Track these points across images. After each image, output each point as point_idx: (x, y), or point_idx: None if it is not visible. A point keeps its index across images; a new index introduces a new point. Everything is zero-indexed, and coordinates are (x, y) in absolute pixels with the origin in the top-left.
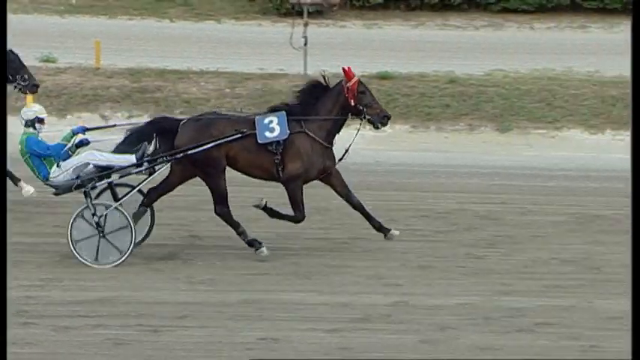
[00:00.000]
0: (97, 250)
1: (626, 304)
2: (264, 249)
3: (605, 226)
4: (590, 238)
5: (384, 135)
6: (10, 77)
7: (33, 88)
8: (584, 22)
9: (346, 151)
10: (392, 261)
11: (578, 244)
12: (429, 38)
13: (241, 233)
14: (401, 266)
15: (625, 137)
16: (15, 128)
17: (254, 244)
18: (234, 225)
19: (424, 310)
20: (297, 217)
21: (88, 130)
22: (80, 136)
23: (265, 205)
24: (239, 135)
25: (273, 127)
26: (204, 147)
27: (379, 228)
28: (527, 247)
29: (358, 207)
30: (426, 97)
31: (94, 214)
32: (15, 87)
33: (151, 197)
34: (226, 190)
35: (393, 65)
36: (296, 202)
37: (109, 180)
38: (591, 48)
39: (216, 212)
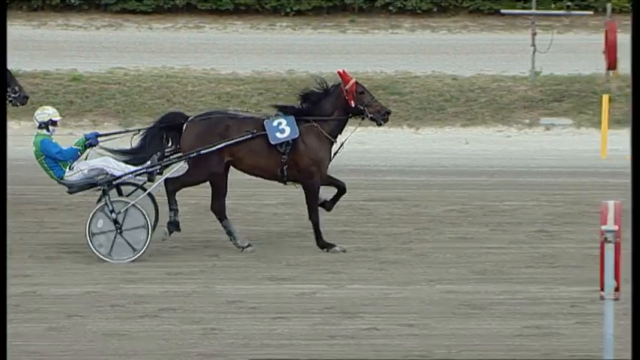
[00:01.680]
0: (112, 245)
1: (243, 289)
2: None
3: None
4: (210, 227)
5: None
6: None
7: (23, 99)
8: (199, 23)
9: (341, 145)
10: (21, 252)
11: (198, 233)
12: (52, 38)
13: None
14: (29, 257)
15: None
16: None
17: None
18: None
19: (52, 299)
20: (314, 219)
21: (100, 136)
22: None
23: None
24: (249, 136)
25: (284, 129)
26: (215, 147)
27: (325, 205)
28: (152, 236)
29: (341, 188)
30: (51, 95)
31: (112, 211)
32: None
33: (217, 210)
34: (193, 184)
35: (17, 64)
36: (313, 201)
37: (119, 181)
38: (206, 47)
39: (167, 180)
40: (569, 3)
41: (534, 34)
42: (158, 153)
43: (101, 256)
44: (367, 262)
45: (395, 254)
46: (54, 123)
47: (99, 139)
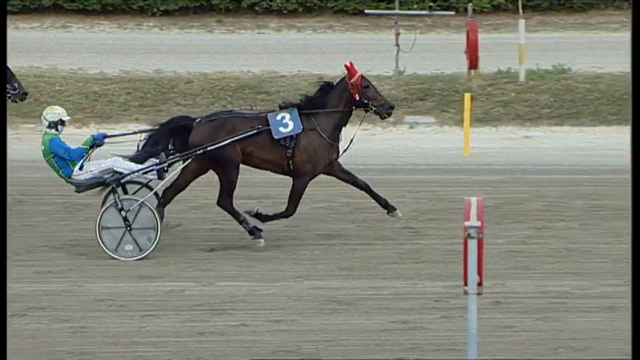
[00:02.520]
0: (119, 242)
1: (111, 287)
2: (262, 240)
3: (92, 214)
4: (78, 225)
5: None
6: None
7: (23, 96)
8: (65, 23)
9: (351, 141)
10: None
11: (67, 231)
12: None
13: (242, 221)
14: None
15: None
16: None
17: (254, 232)
18: (235, 215)
19: None
20: (289, 211)
21: (107, 137)
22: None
23: (257, 211)
24: (255, 131)
25: (287, 123)
26: (222, 144)
27: (385, 205)
28: (20, 235)
29: (365, 187)
30: None
31: (121, 209)
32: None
33: (166, 196)
34: (236, 184)
35: None
36: (296, 196)
37: (127, 179)
38: (73, 47)
39: (218, 203)
40: (432, 4)
41: (398, 34)
42: (164, 151)
43: (108, 252)
44: (236, 259)
45: (263, 251)
46: (63, 123)
47: (105, 139)
